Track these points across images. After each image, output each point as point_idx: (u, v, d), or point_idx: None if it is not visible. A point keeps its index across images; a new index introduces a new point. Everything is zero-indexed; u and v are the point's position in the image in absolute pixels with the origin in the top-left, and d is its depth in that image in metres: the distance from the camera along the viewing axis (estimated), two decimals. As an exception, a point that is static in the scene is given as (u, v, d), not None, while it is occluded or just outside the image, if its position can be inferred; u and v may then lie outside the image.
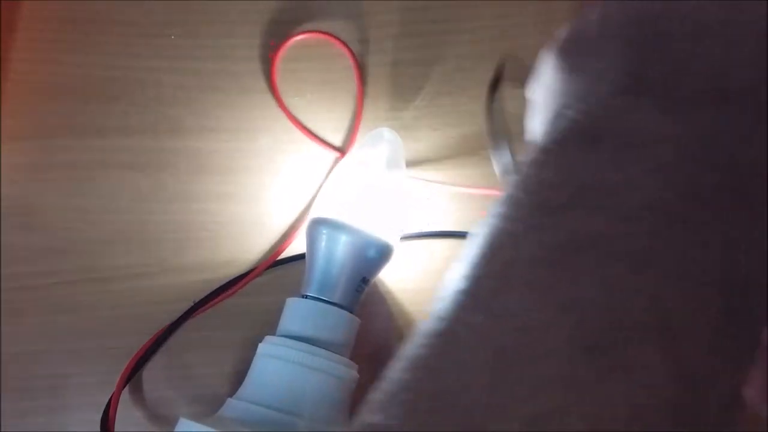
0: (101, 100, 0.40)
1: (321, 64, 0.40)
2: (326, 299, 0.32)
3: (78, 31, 0.41)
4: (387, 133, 0.37)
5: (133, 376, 0.36)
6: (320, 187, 0.38)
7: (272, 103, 0.40)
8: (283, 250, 0.38)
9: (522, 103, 0.28)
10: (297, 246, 0.38)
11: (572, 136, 0.20)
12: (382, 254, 0.34)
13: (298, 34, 0.40)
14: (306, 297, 0.33)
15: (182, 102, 0.40)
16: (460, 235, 0.38)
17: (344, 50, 0.40)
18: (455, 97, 0.39)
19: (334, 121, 0.39)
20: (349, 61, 0.40)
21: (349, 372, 0.31)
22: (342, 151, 0.39)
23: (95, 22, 0.41)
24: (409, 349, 0.19)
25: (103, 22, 0.41)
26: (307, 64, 0.40)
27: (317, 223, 0.34)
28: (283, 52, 0.40)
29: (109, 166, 0.39)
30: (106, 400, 0.34)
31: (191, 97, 0.40)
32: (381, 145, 0.37)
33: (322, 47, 0.40)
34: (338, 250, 0.33)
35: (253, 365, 0.32)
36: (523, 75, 0.28)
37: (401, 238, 0.36)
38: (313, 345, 0.31)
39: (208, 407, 0.36)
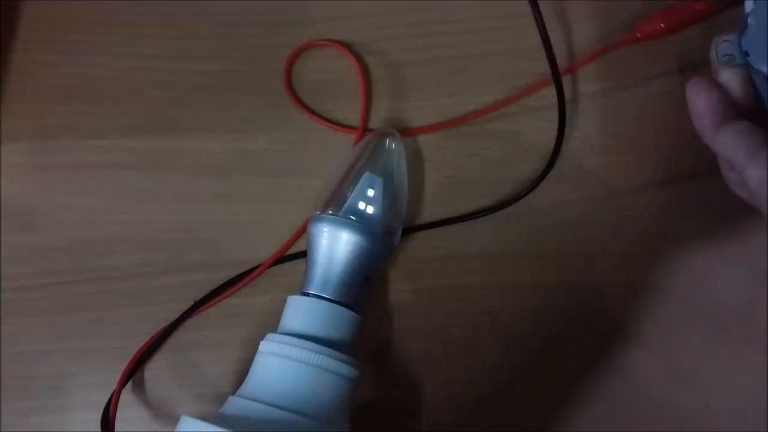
0: (101, 100, 0.40)
1: (325, 66, 0.40)
2: (328, 297, 0.32)
3: (78, 31, 0.41)
4: (388, 133, 0.37)
5: (132, 375, 0.36)
6: (321, 186, 0.38)
7: (270, 103, 0.40)
8: (285, 249, 0.38)
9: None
10: (298, 244, 0.38)
11: None
12: (383, 252, 0.34)
13: (309, 44, 0.40)
14: (307, 295, 0.33)
15: (182, 102, 0.40)
16: (460, 219, 0.38)
17: (350, 56, 0.40)
18: (455, 97, 0.39)
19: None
20: (353, 64, 0.40)
21: (353, 371, 0.31)
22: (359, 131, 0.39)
23: (95, 22, 0.41)
24: None
25: (103, 22, 0.41)
26: (313, 66, 0.40)
27: (319, 221, 0.34)
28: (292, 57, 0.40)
29: (109, 166, 0.39)
30: (107, 400, 0.34)
31: (191, 98, 0.40)
32: (382, 144, 0.37)
33: (327, 50, 0.40)
34: (340, 247, 0.33)
35: (254, 363, 0.32)
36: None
37: (402, 235, 0.36)
38: (315, 343, 0.31)
39: (210, 406, 0.36)
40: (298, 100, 0.40)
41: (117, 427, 0.33)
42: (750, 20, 0.34)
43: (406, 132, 0.39)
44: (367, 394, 0.36)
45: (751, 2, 0.34)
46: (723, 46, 0.34)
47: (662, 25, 0.37)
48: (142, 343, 0.36)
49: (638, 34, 0.37)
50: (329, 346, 0.31)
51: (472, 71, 0.40)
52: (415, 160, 0.39)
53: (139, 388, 0.37)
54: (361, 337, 0.33)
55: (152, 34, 0.41)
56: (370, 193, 0.34)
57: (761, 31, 0.34)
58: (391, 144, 0.37)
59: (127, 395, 0.36)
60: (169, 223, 0.39)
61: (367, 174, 0.34)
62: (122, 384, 0.35)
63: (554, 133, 0.38)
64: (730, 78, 0.33)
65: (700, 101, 0.32)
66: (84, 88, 0.40)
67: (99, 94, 0.40)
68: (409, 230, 0.37)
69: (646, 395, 0.36)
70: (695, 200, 0.38)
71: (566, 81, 0.39)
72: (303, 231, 0.38)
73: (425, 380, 0.36)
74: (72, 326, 0.37)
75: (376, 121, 0.39)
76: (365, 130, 0.39)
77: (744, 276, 0.37)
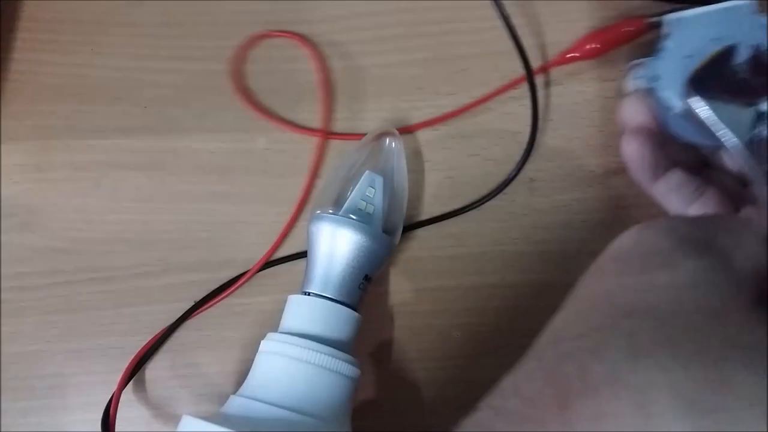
0: (101, 100, 0.40)
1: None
2: (329, 296, 0.32)
3: (78, 31, 0.41)
4: (388, 132, 0.37)
5: (134, 375, 0.36)
6: (321, 185, 0.38)
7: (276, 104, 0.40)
8: (278, 245, 0.38)
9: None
10: (297, 244, 0.38)
11: None
12: (384, 251, 0.34)
13: (262, 35, 0.40)
14: (308, 294, 0.33)
15: (182, 102, 0.40)
16: (458, 212, 0.38)
17: (310, 50, 0.40)
18: (455, 97, 0.39)
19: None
20: (313, 58, 0.40)
21: (354, 370, 0.31)
22: (321, 132, 0.39)
23: (95, 22, 0.41)
24: None
25: (103, 22, 0.41)
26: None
27: (319, 220, 0.34)
28: (247, 52, 0.41)
29: (109, 166, 0.39)
30: (107, 400, 0.34)
31: (191, 97, 0.40)
32: (382, 143, 0.37)
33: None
34: (340, 246, 0.33)
35: (255, 362, 0.32)
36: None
37: (401, 234, 0.36)
38: (317, 342, 0.31)
39: (211, 406, 0.36)
40: (250, 99, 0.40)
41: (118, 427, 0.33)
42: (665, 44, 0.35)
43: (404, 129, 0.39)
44: (367, 394, 0.36)
45: (670, 25, 0.35)
46: (635, 69, 0.36)
47: (595, 45, 0.38)
48: (142, 343, 0.36)
49: (571, 55, 0.38)
50: (330, 346, 0.31)
51: (472, 71, 0.40)
52: (415, 160, 0.39)
53: (140, 388, 0.37)
54: (361, 337, 0.33)
55: (152, 34, 0.41)
56: (371, 192, 0.34)
57: (673, 58, 0.35)
58: (392, 143, 0.37)
59: (127, 395, 0.36)
60: (169, 223, 0.39)
61: (367, 173, 0.34)
62: (123, 384, 0.35)
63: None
64: (633, 104, 0.35)
65: (632, 158, 0.34)
66: (84, 87, 0.40)
67: (99, 94, 0.40)
68: (408, 228, 0.37)
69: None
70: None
71: (568, 81, 0.39)
72: (289, 228, 0.38)
73: (425, 380, 0.36)
74: (72, 326, 0.37)
75: (376, 120, 0.39)
76: (328, 132, 0.39)
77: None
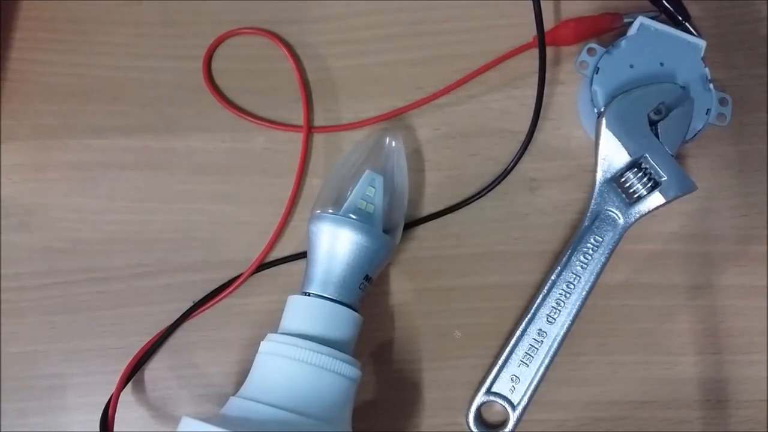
0: (101, 100, 0.40)
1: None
2: (329, 296, 0.32)
3: (78, 31, 0.41)
4: (388, 132, 0.37)
5: (133, 376, 0.36)
6: (322, 184, 0.38)
7: (269, 102, 0.40)
8: (272, 245, 0.38)
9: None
10: (297, 244, 0.38)
11: None
12: (384, 251, 0.34)
13: (232, 32, 0.41)
14: (308, 294, 0.33)
15: (181, 101, 0.40)
16: (456, 207, 0.38)
17: (284, 49, 0.40)
18: (455, 97, 0.39)
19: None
20: (288, 58, 0.40)
21: (355, 371, 0.31)
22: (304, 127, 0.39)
23: (95, 22, 0.41)
24: None
25: (103, 22, 0.41)
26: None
27: (319, 220, 0.34)
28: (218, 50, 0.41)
29: (107, 165, 0.39)
30: (106, 400, 0.34)
31: (191, 97, 0.40)
32: (382, 142, 0.37)
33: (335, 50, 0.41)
34: (340, 246, 0.33)
35: (255, 363, 0.32)
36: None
37: (402, 233, 0.36)
38: (317, 343, 0.31)
39: (210, 406, 0.36)
40: (221, 96, 0.40)
41: (117, 427, 0.33)
42: (621, 42, 0.36)
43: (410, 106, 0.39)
44: (367, 394, 0.36)
45: (636, 27, 0.36)
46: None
47: (571, 32, 0.38)
48: (141, 344, 0.36)
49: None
50: (330, 346, 0.31)
51: (472, 71, 0.39)
52: (416, 159, 0.39)
53: (139, 388, 0.37)
54: (361, 337, 0.33)
55: (152, 33, 0.41)
56: (371, 191, 0.34)
57: (619, 59, 0.36)
58: (392, 142, 0.37)
59: (126, 396, 0.36)
60: (168, 222, 0.38)
61: (367, 172, 0.34)
62: (122, 385, 0.34)
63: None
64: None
65: None
66: (83, 87, 0.40)
67: (98, 94, 0.40)
68: (408, 226, 0.37)
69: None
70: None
71: (569, 80, 0.39)
72: (281, 228, 0.38)
73: (425, 380, 0.36)
74: (71, 326, 0.37)
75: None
76: (309, 128, 0.39)
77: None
